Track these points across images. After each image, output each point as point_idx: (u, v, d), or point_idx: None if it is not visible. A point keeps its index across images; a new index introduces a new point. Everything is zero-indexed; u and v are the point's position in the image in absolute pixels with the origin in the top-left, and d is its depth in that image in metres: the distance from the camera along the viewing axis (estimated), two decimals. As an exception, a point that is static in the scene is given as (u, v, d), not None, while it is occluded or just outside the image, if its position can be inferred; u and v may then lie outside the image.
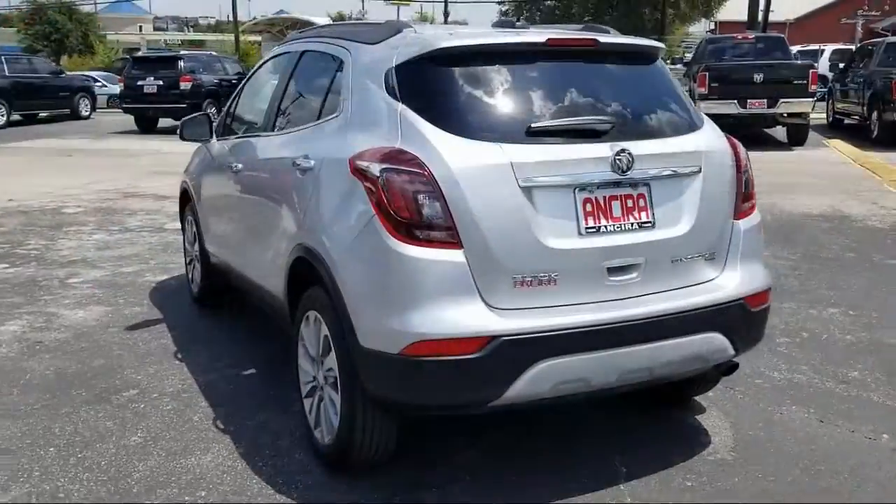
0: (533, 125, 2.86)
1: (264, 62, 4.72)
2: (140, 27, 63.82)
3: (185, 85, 18.34)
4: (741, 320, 3.11)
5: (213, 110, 16.24)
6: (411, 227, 2.69)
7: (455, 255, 2.69)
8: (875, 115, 14.40)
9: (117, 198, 9.77)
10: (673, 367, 3.01)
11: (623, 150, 2.88)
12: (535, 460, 3.29)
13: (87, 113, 22.97)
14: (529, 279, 2.77)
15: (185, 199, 5.49)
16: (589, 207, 2.85)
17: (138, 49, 43.96)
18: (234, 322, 5.10)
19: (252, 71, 4.86)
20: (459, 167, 2.72)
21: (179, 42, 53.26)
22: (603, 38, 3.18)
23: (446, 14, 28.29)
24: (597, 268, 2.86)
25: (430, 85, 2.96)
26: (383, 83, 3.02)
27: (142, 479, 3.15)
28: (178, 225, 5.96)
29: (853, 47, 24.17)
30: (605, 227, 2.87)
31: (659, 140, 3.05)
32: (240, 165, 4.17)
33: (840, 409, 3.74)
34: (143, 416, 3.73)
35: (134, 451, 3.38)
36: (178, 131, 4.93)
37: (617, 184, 2.89)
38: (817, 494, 3.02)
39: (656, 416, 3.71)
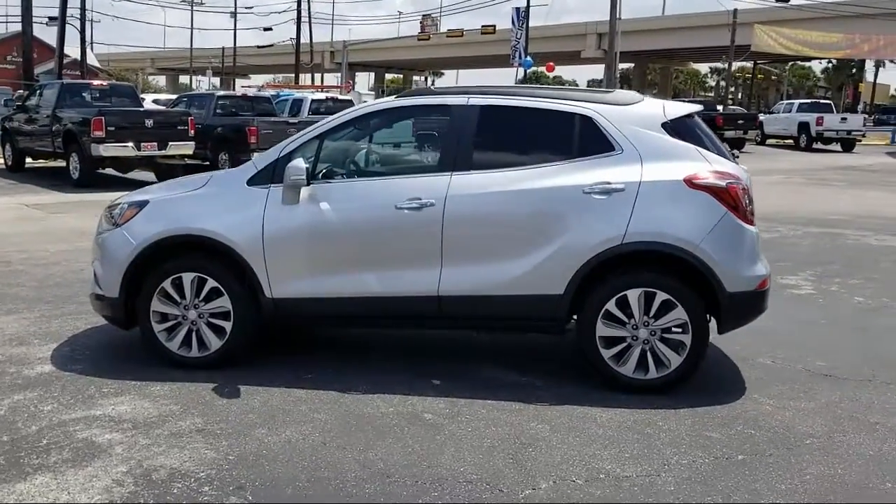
0: (735, 153, 4.96)
1: (370, 113, 5.13)
2: None
3: None
4: None
5: None
6: (746, 214, 4.57)
7: (756, 229, 4.68)
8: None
9: None
10: None
11: None
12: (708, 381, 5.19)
13: None
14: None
15: (175, 251, 4.98)
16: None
17: None
18: (307, 364, 5.19)
19: (345, 122, 5.02)
20: (744, 178, 4.67)
21: None
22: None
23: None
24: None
25: (694, 131, 4.81)
26: (663, 130, 4.68)
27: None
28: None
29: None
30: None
31: None
32: (431, 201, 4.65)
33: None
34: (470, 423, 4.30)
35: (521, 446, 4.14)
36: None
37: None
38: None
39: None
